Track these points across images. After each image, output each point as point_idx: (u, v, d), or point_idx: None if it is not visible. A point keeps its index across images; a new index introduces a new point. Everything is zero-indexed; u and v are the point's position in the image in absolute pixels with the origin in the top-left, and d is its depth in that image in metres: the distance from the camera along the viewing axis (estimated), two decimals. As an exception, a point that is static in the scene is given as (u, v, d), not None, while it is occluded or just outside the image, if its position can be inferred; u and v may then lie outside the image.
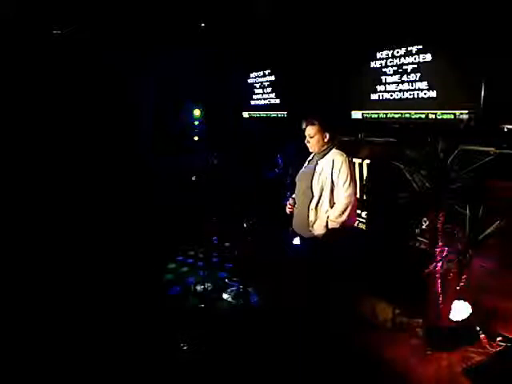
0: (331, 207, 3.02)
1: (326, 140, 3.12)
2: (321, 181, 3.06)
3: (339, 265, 2.99)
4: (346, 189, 2.98)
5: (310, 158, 3.29)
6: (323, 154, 3.14)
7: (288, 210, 3.32)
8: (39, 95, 5.35)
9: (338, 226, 2.97)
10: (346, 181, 2.98)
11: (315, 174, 3.10)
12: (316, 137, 3.12)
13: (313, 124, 3.12)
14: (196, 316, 3.50)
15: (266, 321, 3.32)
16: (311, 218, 3.08)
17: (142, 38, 5.80)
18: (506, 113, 2.85)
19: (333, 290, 3.01)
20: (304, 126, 3.16)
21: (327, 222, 3.00)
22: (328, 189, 3.03)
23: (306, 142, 3.18)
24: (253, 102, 6.03)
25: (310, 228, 3.08)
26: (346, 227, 2.99)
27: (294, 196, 3.33)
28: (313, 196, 3.08)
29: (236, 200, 5.49)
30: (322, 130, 3.11)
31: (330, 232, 2.99)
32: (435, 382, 2.59)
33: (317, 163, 3.14)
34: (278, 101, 5.46)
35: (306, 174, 3.20)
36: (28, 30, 5.09)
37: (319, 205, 3.06)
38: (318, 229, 3.04)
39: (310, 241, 3.12)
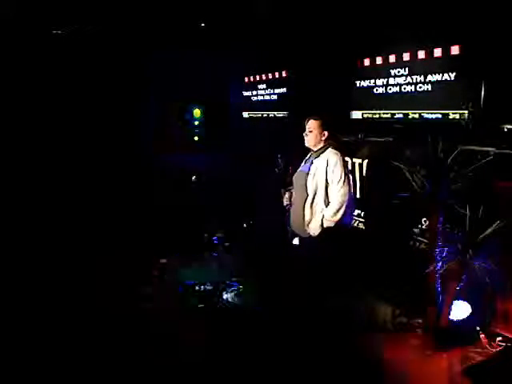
0: (326, 206, 3.03)
1: (323, 138, 3.16)
2: (315, 180, 3.08)
3: (337, 264, 3.00)
4: (340, 188, 2.99)
5: (306, 157, 3.31)
6: (319, 153, 3.17)
7: (285, 203, 3.35)
8: (39, 95, 5.35)
9: (332, 224, 2.98)
10: (340, 179, 3.00)
11: (310, 173, 3.14)
12: (314, 132, 3.16)
13: (315, 119, 3.17)
14: (196, 316, 3.49)
15: (266, 321, 3.32)
16: (307, 216, 3.10)
17: (142, 38, 5.81)
18: (505, 113, 2.85)
19: (332, 290, 3.02)
20: (306, 119, 3.20)
21: (322, 221, 3.01)
22: (322, 187, 3.05)
23: (304, 134, 3.22)
24: (253, 102, 6.03)
25: (306, 227, 3.10)
26: (341, 226, 3.00)
27: (292, 190, 3.34)
28: (307, 195, 3.11)
29: (236, 200, 5.49)
30: (322, 127, 3.15)
31: (325, 231, 3.00)
32: (435, 382, 2.59)
33: (312, 162, 3.17)
34: (278, 101, 5.45)
35: (301, 173, 3.23)
36: (28, 29, 5.09)
37: (314, 203, 3.08)
38: (314, 228, 3.06)
39: (308, 240, 3.13)
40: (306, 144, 3.23)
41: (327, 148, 3.15)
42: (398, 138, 3.64)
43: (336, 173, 3.02)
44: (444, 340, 2.84)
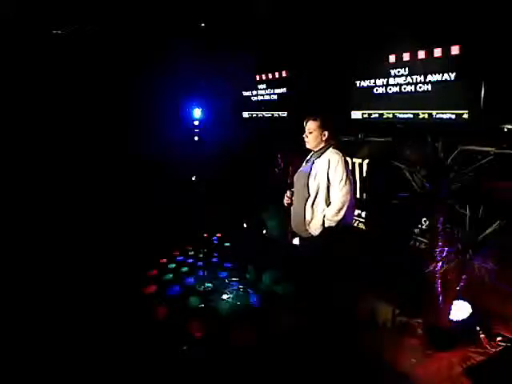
0: (327, 206, 3.03)
1: (323, 138, 3.15)
2: (317, 180, 3.08)
3: (338, 264, 3.00)
4: (342, 187, 2.99)
5: (307, 157, 3.30)
6: (320, 153, 3.16)
7: (285, 202, 3.34)
8: (39, 95, 5.35)
9: (334, 224, 2.98)
10: (342, 179, 2.99)
11: (311, 173, 3.12)
12: (315, 133, 3.15)
13: (315, 120, 3.15)
14: (196, 316, 3.49)
15: (266, 321, 3.32)
16: (308, 217, 3.09)
17: (142, 38, 5.81)
18: (506, 113, 2.85)
19: (332, 289, 3.01)
20: (306, 121, 3.19)
21: (323, 220, 3.01)
22: (324, 187, 3.04)
23: (304, 136, 3.21)
24: (253, 102, 6.03)
25: (307, 227, 3.10)
26: (342, 226, 3.00)
27: (292, 189, 3.33)
28: (309, 195, 3.10)
29: (236, 200, 5.49)
30: (322, 127, 3.14)
31: (326, 231, 3.00)
32: (435, 382, 2.59)
33: (313, 162, 3.16)
34: (278, 101, 5.46)
35: (302, 174, 3.22)
36: (28, 29, 5.09)
37: (315, 204, 3.08)
38: (315, 228, 3.05)
39: (308, 240, 3.13)
40: (307, 146, 3.21)
41: (328, 148, 3.14)
42: (398, 137, 3.64)
43: (338, 173, 3.01)
44: (444, 340, 2.84)
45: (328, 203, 3.04)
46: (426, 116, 3.34)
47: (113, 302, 3.54)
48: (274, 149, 5.22)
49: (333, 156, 3.07)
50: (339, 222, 2.98)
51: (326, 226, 3.00)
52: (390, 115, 3.68)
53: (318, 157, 3.15)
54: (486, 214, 2.72)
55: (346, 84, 4.11)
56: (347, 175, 3.03)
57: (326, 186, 3.04)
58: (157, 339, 3.08)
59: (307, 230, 3.10)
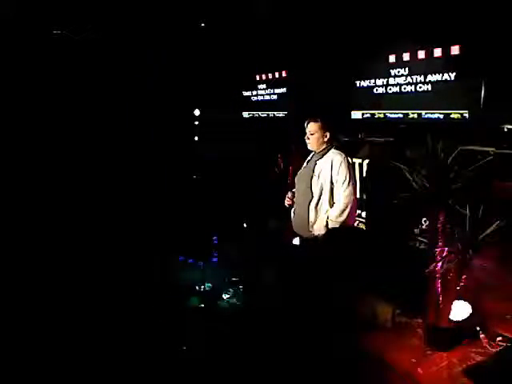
0: (331, 207, 3.03)
1: (325, 139, 3.14)
2: (320, 181, 3.07)
3: (339, 264, 3.00)
4: (345, 188, 2.98)
5: (308, 158, 3.30)
6: (322, 154, 3.14)
7: (286, 203, 3.34)
8: (38, 95, 5.35)
9: (337, 225, 2.98)
10: (345, 180, 2.99)
11: (314, 175, 3.11)
12: (316, 134, 3.14)
13: (316, 121, 3.14)
14: (196, 316, 3.49)
15: (266, 321, 3.32)
16: (311, 218, 3.09)
17: (142, 37, 5.81)
18: (505, 113, 2.85)
19: (333, 290, 3.02)
20: (306, 123, 3.18)
21: (327, 221, 3.01)
22: (327, 189, 3.04)
23: (305, 138, 3.20)
24: (253, 102, 6.03)
25: (310, 228, 3.09)
26: (345, 226, 3.00)
27: (293, 190, 3.33)
28: (312, 196, 3.09)
29: (236, 200, 5.48)
30: (324, 128, 3.13)
31: (330, 231, 3.00)
32: (435, 382, 2.58)
33: (315, 163, 3.15)
34: (278, 101, 5.45)
35: (304, 175, 3.21)
36: (28, 29, 5.10)
37: (319, 205, 3.07)
38: (318, 229, 3.05)
39: (310, 241, 3.13)
40: (309, 147, 3.20)
41: (330, 149, 3.14)
42: (398, 137, 3.64)
43: (341, 173, 3.01)
44: (444, 340, 2.84)
45: (331, 204, 3.04)
46: (426, 116, 3.34)
47: (112, 303, 3.54)
48: (273, 149, 5.21)
49: (336, 157, 3.06)
50: (343, 223, 2.98)
51: (329, 226, 3.00)
52: (390, 115, 3.68)
53: (321, 157, 3.14)
54: (486, 214, 2.72)
55: (346, 84, 4.11)
56: (350, 176, 3.03)
57: (329, 187, 3.03)
58: (157, 339, 3.08)
59: (310, 231, 3.10)
